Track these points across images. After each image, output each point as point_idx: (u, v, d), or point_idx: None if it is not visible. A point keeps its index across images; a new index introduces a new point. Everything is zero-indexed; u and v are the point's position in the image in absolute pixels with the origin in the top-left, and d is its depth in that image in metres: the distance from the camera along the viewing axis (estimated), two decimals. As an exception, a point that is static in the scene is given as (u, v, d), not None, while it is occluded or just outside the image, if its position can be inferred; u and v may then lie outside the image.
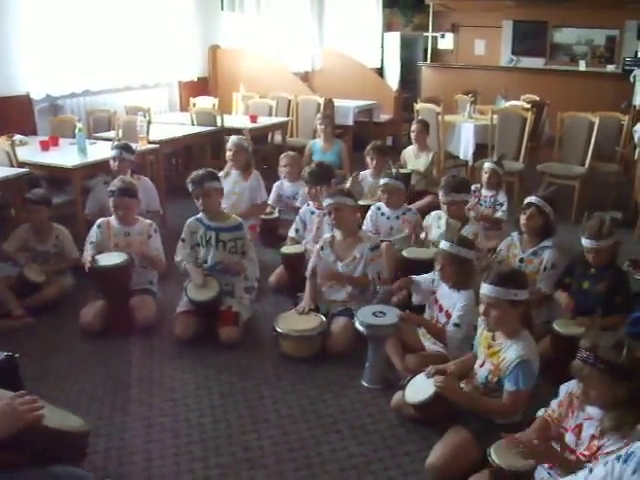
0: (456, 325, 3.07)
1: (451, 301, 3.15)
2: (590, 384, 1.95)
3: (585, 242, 3.20)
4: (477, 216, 4.50)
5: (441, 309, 3.21)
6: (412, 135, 5.95)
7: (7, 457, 1.78)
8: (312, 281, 3.73)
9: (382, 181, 4.46)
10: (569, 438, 2.07)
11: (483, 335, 2.67)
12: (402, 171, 5.71)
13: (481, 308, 2.55)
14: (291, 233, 4.54)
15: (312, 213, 4.47)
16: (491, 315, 2.50)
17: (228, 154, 5.04)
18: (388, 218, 4.40)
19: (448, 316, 3.15)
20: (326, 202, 3.68)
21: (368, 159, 5.28)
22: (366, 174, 5.33)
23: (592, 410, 2.02)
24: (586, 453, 1.98)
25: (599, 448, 1.94)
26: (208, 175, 3.76)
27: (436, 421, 2.72)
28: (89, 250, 3.83)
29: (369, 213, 4.43)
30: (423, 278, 3.41)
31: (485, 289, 2.50)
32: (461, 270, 3.09)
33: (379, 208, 4.43)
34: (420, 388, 2.65)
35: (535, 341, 2.62)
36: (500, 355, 2.53)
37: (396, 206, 4.41)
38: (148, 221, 4.02)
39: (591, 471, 1.76)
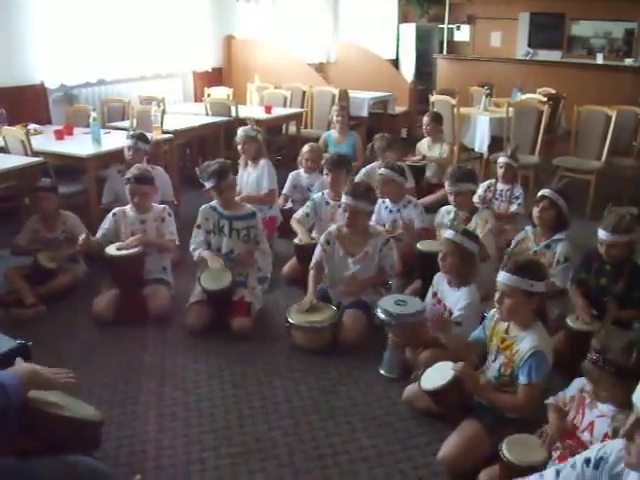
0: (457, 324, 3.03)
1: (453, 300, 3.11)
2: (601, 386, 1.95)
3: (601, 233, 3.13)
4: (493, 212, 4.48)
5: (445, 308, 3.17)
6: (424, 129, 5.96)
7: (19, 444, 1.80)
8: (317, 276, 3.66)
9: (379, 171, 4.46)
10: (584, 436, 2.05)
11: (496, 329, 2.64)
12: (416, 164, 5.71)
13: (496, 296, 2.52)
14: (297, 214, 4.47)
15: (327, 204, 4.43)
16: (504, 304, 2.48)
17: (239, 148, 5.02)
18: (391, 212, 4.38)
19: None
20: (345, 200, 3.58)
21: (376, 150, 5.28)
22: (374, 167, 5.28)
23: (604, 407, 2.01)
24: None
25: None
26: (227, 169, 3.78)
27: (448, 412, 2.69)
28: (99, 236, 3.86)
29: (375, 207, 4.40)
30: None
31: (502, 277, 2.47)
32: (462, 263, 3.05)
33: (384, 202, 4.40)
34: (437, 375, 2.59)
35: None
36: (514, 347, 2.50)
37: (395, 198, 4.37)
38: (162, 205, 4.04)
39: (558, 474, 1.74)
